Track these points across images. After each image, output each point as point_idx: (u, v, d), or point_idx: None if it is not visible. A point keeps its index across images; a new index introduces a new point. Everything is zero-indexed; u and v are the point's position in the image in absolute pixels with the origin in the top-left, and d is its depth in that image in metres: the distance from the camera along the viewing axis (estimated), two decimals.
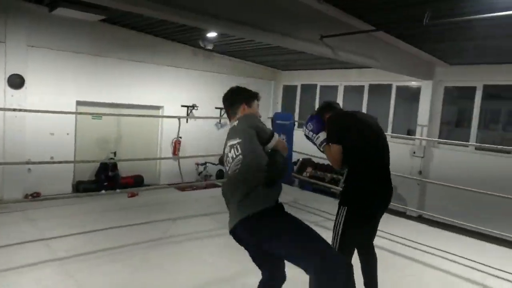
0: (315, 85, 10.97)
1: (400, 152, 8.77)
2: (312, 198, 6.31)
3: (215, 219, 4.83)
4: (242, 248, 3.89)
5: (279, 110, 11.75)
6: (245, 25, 4.99)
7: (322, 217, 5.18)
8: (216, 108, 10.59)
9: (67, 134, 8.24)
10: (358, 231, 2.65)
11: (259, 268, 2.42)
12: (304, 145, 9.31)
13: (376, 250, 4.09)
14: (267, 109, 11.64)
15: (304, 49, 6.09)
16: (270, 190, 2.21)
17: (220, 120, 10.68)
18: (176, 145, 9.52)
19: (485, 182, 6.70)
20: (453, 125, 9.12)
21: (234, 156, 2.21)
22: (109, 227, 4.25)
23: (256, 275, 3.32)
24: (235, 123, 2.33)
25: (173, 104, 9.78)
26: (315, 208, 5.55)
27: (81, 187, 8.37)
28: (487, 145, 7.46)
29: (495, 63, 7.58)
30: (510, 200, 4.78)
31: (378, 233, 4.63)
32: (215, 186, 8.81)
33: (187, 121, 9.86)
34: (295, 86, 11.62)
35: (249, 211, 2.12)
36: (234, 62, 10.82)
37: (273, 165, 2.21)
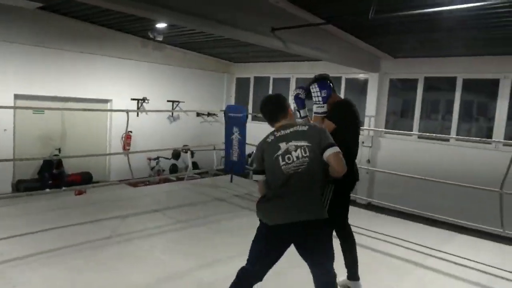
0: (268, 78, 11.04)
1: None
2: None
3: (167, 214, 4.73)
4: (196, 243, 3.85)
5: (232, 102, 11.70)
6: (195, 16, 4.89)
7: None
8: (168, 101, 10.34)
9: (4, 130, 7.67)
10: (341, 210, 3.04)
11: (257, 262, 2.48)
12: (258, 137, 9.28)
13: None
14: (220, 102, 11.56)
15: (256, 41, 6.09)
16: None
17: (172, 114, 10.44)
18: (127, 140, 9.19)
19: (427, 169, 7.16)
20: (399, 116, 9.60)
21: (300, 156, 2.35)
22: (53, 227, 4.01)
23: (211, 270, 3.31)
24: (305, 127, 2.46)
25: (122, 97, 9.41)
26: None
27: (22, 187, 7.85)
28: (428, 134, 7.91)
29: (435, 56, 8.04)
30: (451, 185, 5.11)
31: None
32: (168, 180, 8.64)
33: (137, 115, 9.53)
34: (248, 79, 11.62)
35: (322, 214, 2.34)
36: (186, 54, 10.59)
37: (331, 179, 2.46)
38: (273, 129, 2.51)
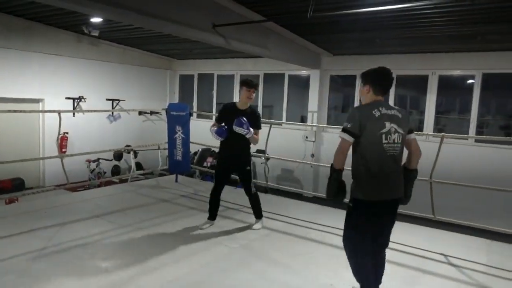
0: (212, 74, 10.94)
1: (295, 138, 9.30)
2: None
3: (109, 219, 4.51)
4: (139, 248, 3.70)
5: (176, 100, 11.44)
6: (131, 11, 4.68)
7: (223, 206, 5.21)
8: (108, 99, 9.86)
9: None
10: (217, 173, 4.48)
11: (372, 243, 2.69)
12: (203, 135, 9.18)
13: (272, 233, 4.32)
14: (163, 99, 11.25)
15: (197, 38, 5.99)
16: None
17: (112, 113, 9.97)
18: (62, 142, 8.61)
19: None
20: (340, 110, 10.00)
21: (397, 141, 2.58)
22: None
23: (155, 276, 3.20)
24: (400, 114, 2.63)
25: (56, 96, 8.80)
26: None
27: None
28: None
29: (371, 53, 8.46)
30: None
31: (274, 216, 4.90)
32: (110, 183, 8.25)
33: (73, 115, 8.98)
34: (192, 76, 11.43)
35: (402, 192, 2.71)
36: (125, 50, 10.15)
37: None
38: (372, 101, 2.62)
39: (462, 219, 4.48)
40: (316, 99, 9.20)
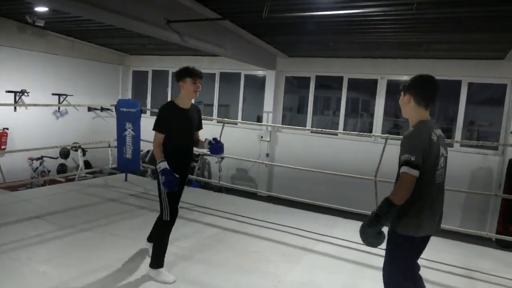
0: (167, 71, 10.70)
1: (250, 137, 9.33)
2: None
3: (50, 220, 4.26)
4: (81, 250, 3.53)
5: (129, 97, 11.07)
6: (79, 2, 4.45)
7: None
8: (54, 94, 9.33)
9: None
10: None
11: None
12: (151, 132, 8.85)
13: (224, 232, 4.30)
14: (115, 96, 10.82)
15: (149, 32, 5.82)
16: None
17: (59, 109, 9.44)
18: (1, 138, 8.04)
19: (319, 161, 7.73)
20: (295, 111, 10.18)
21: (443, 165, 2.32)
22: None
23: (96, 279, 3.05)
24: (439, 131, 2.34)
25: None
26: None
27: None
28: (319, 129, 8.54)
29: (325, 56, 8.69)
30: (341, 176, 5.55)
31: (227, 215, 4.89)
32: (55, 182, 7.81)
33: (15, 109, 8.40)
34: (146, 72, 11.11)
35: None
36: (74, 43, 9.65)
37: None
38: (423, 120, 2.28)
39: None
40: (271, 100, 9.29)
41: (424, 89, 2.33)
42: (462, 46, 6.84)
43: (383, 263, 2.41)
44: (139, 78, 11.36)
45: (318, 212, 5.36)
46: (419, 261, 2.47)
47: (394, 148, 5.76)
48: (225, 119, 6.08)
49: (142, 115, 6.00)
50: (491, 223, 7.19)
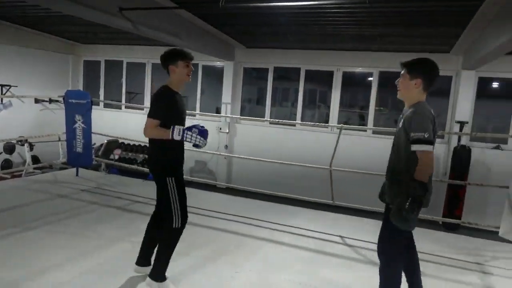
0: (121, 62, 10.30)
1: (209, 129, 9.20)
2: (119, 182, 5.96)
3: None
4: (25, 249, 3.33)
5: (80, 88, 10.54)
6: None
7: (129, 200, 4.96)
8: None
9: None
10: (184, 192, 2.90)
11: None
12: (110, 126, 8.63)
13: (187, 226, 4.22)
14: (65, 87, 10.24)
15: (101, 20, 5.57)
16: None
17: (1, 100, 8.81)
18: None
19: (277, 152, 7.81)
20: (254, 103, 10.17)
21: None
22: None
23: (40, 279, 2.88)
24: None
25: None
26: (121, 192, 5.27)
27: None
28: (277, 120, 8.59)
29: (283, 48, 8.73)
30: (300, 167, 5.64)
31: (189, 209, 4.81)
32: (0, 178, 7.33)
33: None
34: (99, 62, 10.62)
35: None
36: (18, 30, 9.01)
37: None
38: (423, 100, 2.38)
39: (358, 203, 4.87)
40: (230, 91, 9.23)
41: (434, 75, 2.38)
42: (412, 40, 7.12)
43: (381, 243, 2.55)
44: (91, 68, 10.84)
45: (277, 203, 5.42)
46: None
47: (348, 138, 5.89)
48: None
49: (95, 107, 5.75)
50: (439, 208, 7.64)
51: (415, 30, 6.41)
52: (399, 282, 2.46)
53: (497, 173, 6.93)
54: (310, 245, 3.96)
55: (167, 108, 2.72)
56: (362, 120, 8.86)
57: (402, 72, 2.45)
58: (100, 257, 3.34)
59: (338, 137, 4.71)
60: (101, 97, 10.23)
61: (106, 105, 10.04)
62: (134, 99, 10.50)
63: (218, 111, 9.65)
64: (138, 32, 6.02)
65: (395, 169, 2.40)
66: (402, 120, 2.40)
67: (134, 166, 7.21)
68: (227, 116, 9.01)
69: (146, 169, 8.20)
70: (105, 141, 7.14)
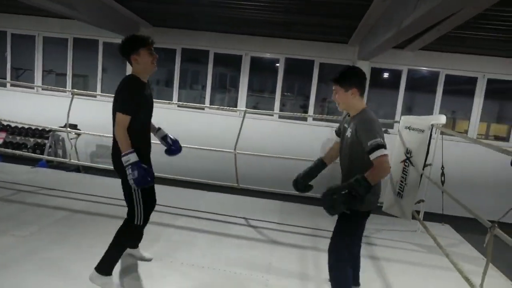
0: (5, 33, 9.01)
1: (111, 111, 8.63)
2: (0, 170, 5.27)
3: None
4: None
5: None
6: None
7: (13, 189, 4.41)
8: None
9: None
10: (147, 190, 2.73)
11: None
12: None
13: (75, 215, 3.89)
14: None
15: None
16: None
17: None
18: None
19: (186, 135, 7.62)
20: (163, 85, 9.76)
21: None
22: None
23: None
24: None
25: None
26: (4, 180, 4.67)
27: None
28: (185, 103, 8.41)
29: (192, 29, 8.48)
30: (208, 150, 5.55)
31: (80, 196, 4.45)
32: None
33: None
34: None
35: None
36: None
37: None
38: (365, 106, 2.48)
39: (262, 186, 5.03)
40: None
41: (364, 80, 2.49)
42: (314, 29, 7.48)
43: (332, 244, 2.54)
44: None
45: (185, 188, 5.32)
46: None
47: (252, 122, 5.91)
48: (76, 90, 5.42)
49: None
50: None
51: (316, 20, 6.73)
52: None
53: None
54: (214, 227, 3.98)
55: (136, 102, 2.53)
56: (270, 105, 9.12)
57: (334, 87, 2.49)
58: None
59: (242, 121, 4.77)
60: None
61: None
62: (22, 76, 9.32)
63: None
64: (27, 1, 5.29)
65: (351, 175, 2.31)
66: (352, 129, 2.43)
67: (20, 152, 6.41)
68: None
69: (36, 155, 7.42)
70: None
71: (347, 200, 2.21)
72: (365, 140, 2.27)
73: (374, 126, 2.32)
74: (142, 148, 2.66)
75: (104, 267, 2.61)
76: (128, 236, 2.76)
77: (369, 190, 2.22)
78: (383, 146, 2.24)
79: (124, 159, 2.45)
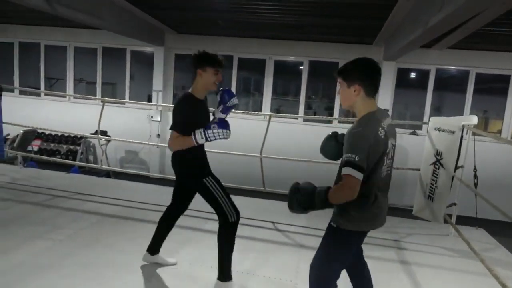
0: (39, 44, 9.43)
1: (139, 117, 8.87)
2: (37, 176, 5.50)
3: None
4: None
5: None
6: None
7: (48, 195, 4.60)
8: None
9: None
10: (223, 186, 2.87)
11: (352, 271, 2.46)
12: (26, 115, 7.96)
13: (106, 219, 4.01)
14: None
15: None
16: None
17: None
18: None
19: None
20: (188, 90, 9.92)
21: (391, 157, 2.08)
22: None
23: None
24: (389, 119, 2.09)
25: None
26: (40, 186, 4.87)
27: None
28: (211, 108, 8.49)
29: (215, 35, 8.60)
30: (234, 155, 5.61)
31: (111, 201, 4.59)
32: None
33: None
34: (11, 44, 9.61)
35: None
36: None
37: None
38: (371, 112, 1.97)
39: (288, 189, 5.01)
40: (161, 78, 8.93)
41: (373, 74, 1.98)
42: (337, 31, 7.44)
43: (314, 258, 2.18)
44: (2, 51, 9.78)
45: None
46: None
47: (278, 125, 5.89)
48: (106, 98, 5.60)
49: (8, 94, 5.19)
50: None
51: (340, 21, 6.69)
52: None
53: (413, 157, 7.58)
54: (242, 232, 3.98)
55: (188, 120, 2.65)
56: (294, 108, 9.10)
57: (339, 80, 2.04)
58: (13, 258, 3.06)
59: (268, 125, 4.78)
60: (16, 83, 9.31)
61: (22, 93, 9.17)
62: (54, 85, 9.71)
63: (149, 99, 9.30)
64: (55, 12, 5.53)
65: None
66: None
67: (54, 158, 6.67)
68: (158, 105, 8.73)
69: (69, 161, 7.70)
70: (21, 131, 6.51)
71: (306, 203, 2.00)
72: (344, 152, 1.91)
73: (358, 142, 1.86)
74: (200, 159, 2.84)
75: (226, 274, 2.80)
76: (230, 236, 2.80)
77: (326, 205, 1.96)
78: (355, 166, 1.82)
79: (197, 137, 2.60)
